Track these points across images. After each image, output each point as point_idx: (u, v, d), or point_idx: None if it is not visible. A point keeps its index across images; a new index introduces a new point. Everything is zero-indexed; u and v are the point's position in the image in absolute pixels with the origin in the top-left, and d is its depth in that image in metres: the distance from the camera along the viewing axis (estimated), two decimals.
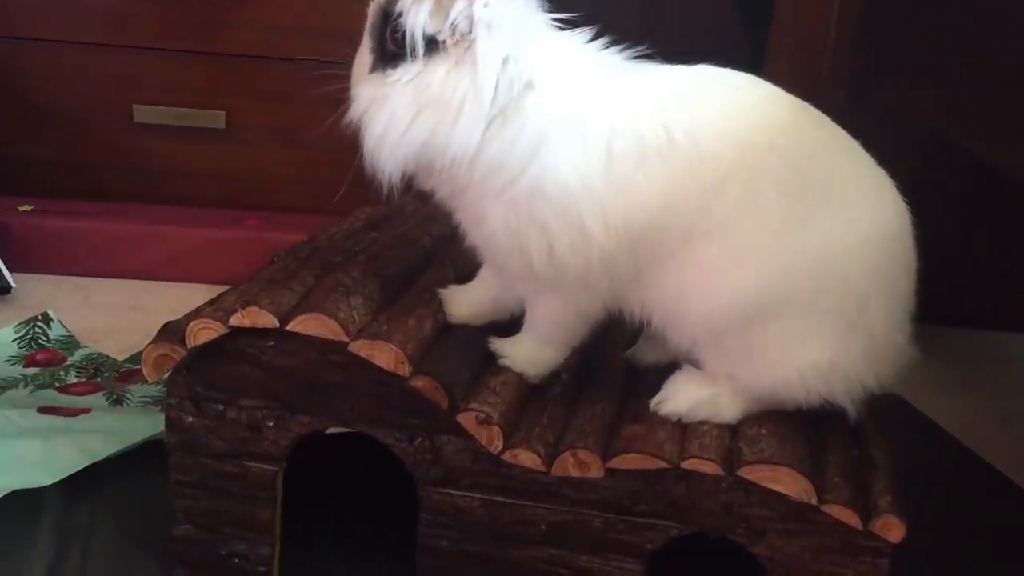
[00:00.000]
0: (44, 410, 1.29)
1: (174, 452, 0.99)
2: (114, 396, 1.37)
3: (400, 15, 0.89)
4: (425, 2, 0.88)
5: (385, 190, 0.93)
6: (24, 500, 1.10)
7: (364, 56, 0.94)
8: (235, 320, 0.93)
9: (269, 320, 0.93)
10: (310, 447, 1.02)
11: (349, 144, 0.95)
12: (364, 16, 0.95)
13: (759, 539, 0.90)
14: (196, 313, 0.96)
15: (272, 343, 0.94)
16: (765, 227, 0.90)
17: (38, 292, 1.75)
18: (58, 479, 1.13)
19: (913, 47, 1.78)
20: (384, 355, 0.91)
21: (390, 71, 0.90)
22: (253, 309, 0.93)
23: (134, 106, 2.00)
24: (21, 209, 1.86)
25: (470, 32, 0.88)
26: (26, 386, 1.40)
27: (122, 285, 1.83)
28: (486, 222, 0.94)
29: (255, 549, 1.00)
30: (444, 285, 1.06)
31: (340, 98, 1.00)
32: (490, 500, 0.94)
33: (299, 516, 1.04)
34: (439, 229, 1.22)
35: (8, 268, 1.72)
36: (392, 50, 0.90)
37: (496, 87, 0.88)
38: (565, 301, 0.96)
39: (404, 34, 0.88)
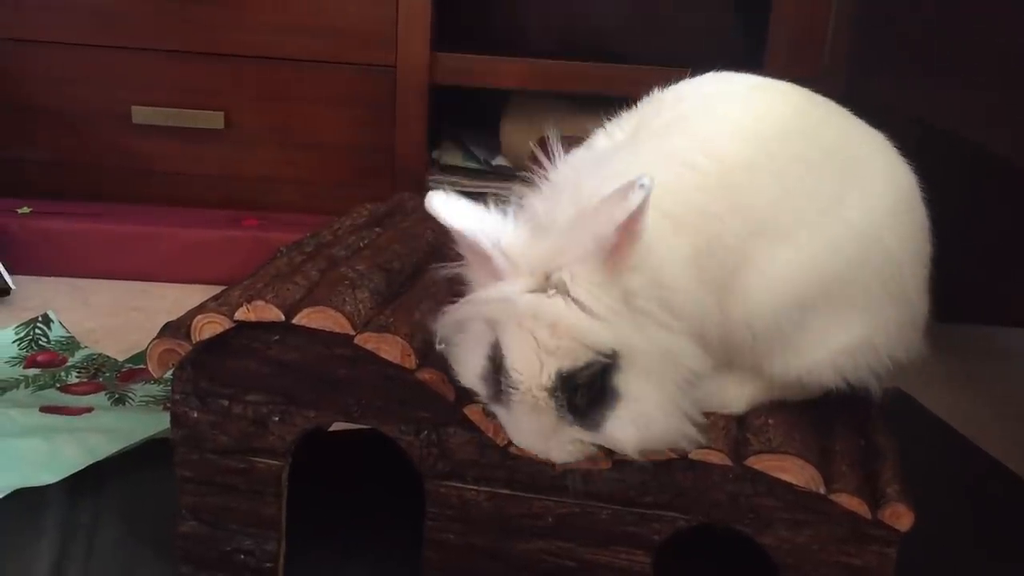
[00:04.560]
0: (47, 409, 1.29)
1: (179, 448, 0.99)
2: (116, 395, 1.37)
3: (594, 376, 0.81)
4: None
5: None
6: (28, 499, 1.10)
7: (545, 419, 0.82)
8: (240, 314, 0.93)
9: (275, 314, 0.92)
10: (315, 442, 1.01)
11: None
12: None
13: (766, 529, 0.90)
14: (201, 308, 0.96)
15: (278, 337, 0.94)
16: (807, 207, 0.91)
17: (38, 293, 1.75)
18: (61, 478, 1.12)
19: (911, 39, 1.78)
20: (391, 347, 0.91)
21: (602, 411, 0.82)
22: (259, 303, 0.93)
23: (132, 107, 2.00)
24: (20, 211, 1.86)
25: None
26: (27, 387, 1.40)
27: (121, 286, 1.83)
28: None
29: (261, 545, 1.00)
30: (449, 280, 1.06)
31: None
32: (497, 493, 0.94)
33: (305, 511, 1.04)
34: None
35: (8, 270, 1.72)
36: (587, 402, 0.81)
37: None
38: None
39: (601, 387, 0.81)
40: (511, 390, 0.81)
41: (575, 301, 0.79)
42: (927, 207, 0.99)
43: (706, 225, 0.88)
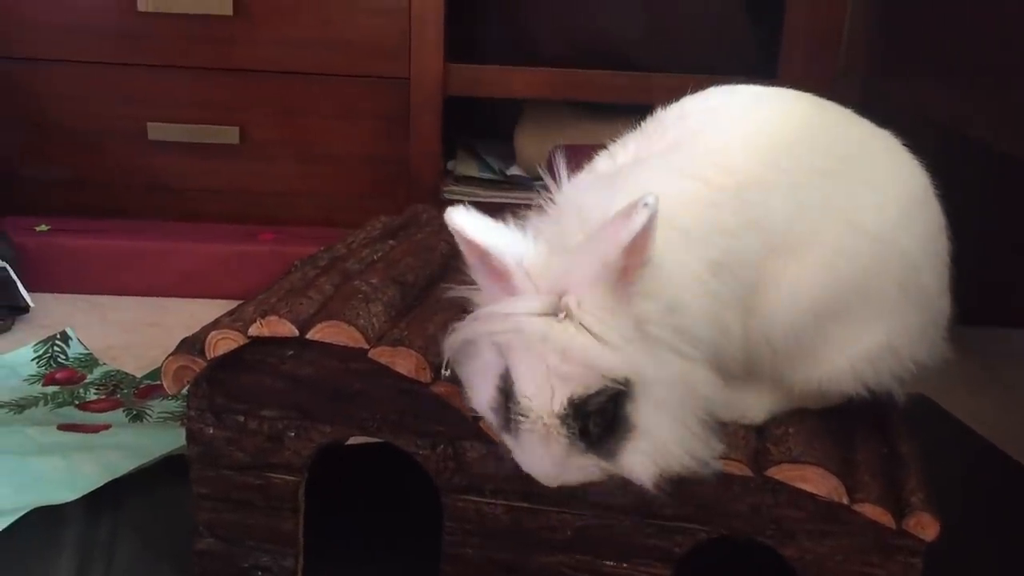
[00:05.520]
0: (64, 427, 1.29)
1: (195, 465, 0.98)
2: (134, 412, 1.37)
3: (607, 403, 0.78)
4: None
5: None
6: (46, 517, 1.10)
7: (556, 447, 0.79)
8: (254, 330, 0.93)
9: (288, 329, 0.92)
10: (332, 457, 1.01)
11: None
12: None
13: (789, 540, 0.89)
14: (215, 324, 0.95)
15: (292, 352, 0.94)
16: (820, 218, 0.90)
17: (56, 311, 1.75)
18: (79, 495, 1.12)
19: (927, 41, 1.77)
20: (405, 361, 0.91)
21: (616, 440, 0.80)
22: (272, 318, 0.92)
23: (148, 124, 2.01)
24: (38, 229, 1.87)
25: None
26: (46, 404, 1.40)
27: (139, 302, 1.83)
28: None
29: (278, 561, 1.00)
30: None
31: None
32: (514, 506, 0.93)
33: (322, 527, 1.03)
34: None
35: (26, 288, 1.72)
36: (600, 430, 0.79)
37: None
38: None
39: (614, 415, 0.79)
40: (521, 417, 0.79)
41: (584, 327, 0.76)
42: (944, 205, 0.98)
43: (721, 241, 0.87)
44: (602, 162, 0.96)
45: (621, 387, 0.78)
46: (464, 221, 0.79)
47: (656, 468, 0.81)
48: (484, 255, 0.79)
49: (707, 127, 0.94)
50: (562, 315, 0.77)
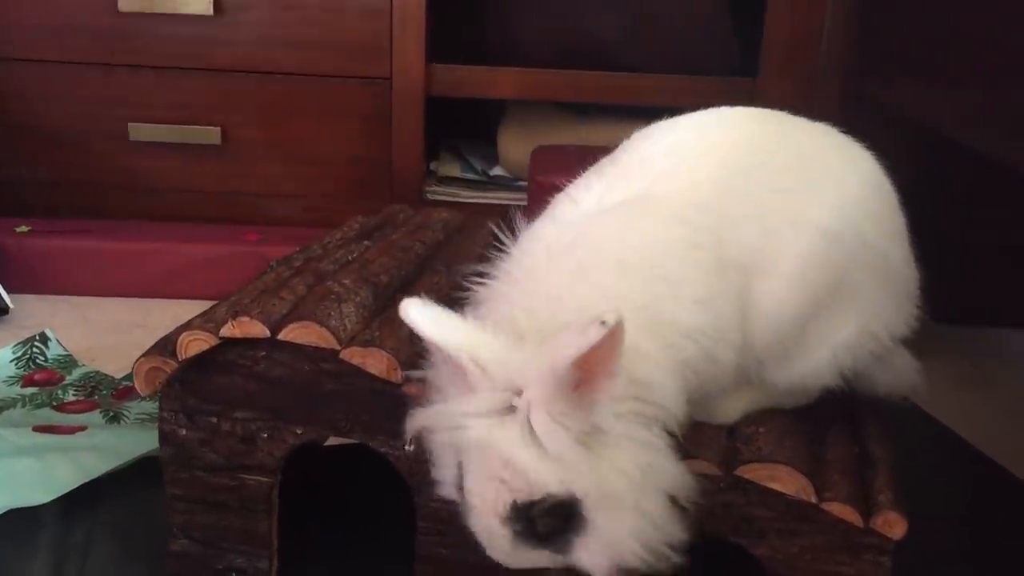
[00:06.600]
0: (40, 429, 1.29)
1: (168, 466, 0.98)
2: (111, 413, 1.37)
3: (554, 508, 0.76)
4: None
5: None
6: (21, 519, 1.10)
7: (502, 542, 0.78)
8: (226, 331, 0.92)
9: (259, 330, 0.92)
10: (307, 458, 1.01)
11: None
12: None
13: (760, 540, 0.89)
14: (187, 325, 0.95)
15: (264, 353, 0.94)
16: (784, 235, 0.90)
17: (36, 312, 1.75)
18: (54, 497, 1.12)
19: (907, 40, 1.77)
20: (376, 362, 0.91)
21: (569, 534, 0.77)
22: (243, 319, 0.92)
23: (129, 124, 2.01)
24: (18, 230, 1.87)
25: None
26: (24, 406, 1.40)
27: (121, 303, 1.83)
28: None
29: (253, 563, 0.99)
30: (437, 292, 1.05)
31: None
32: None
33: (297, 528, 1.03)
34: (431, 236, 1.22)
35: (6, 289, 1.72)
36: (549, 529, 0.77)
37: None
38: None
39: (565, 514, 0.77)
40: (471, 511, 0.78)
41: (532, 433, 0.74)
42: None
43: (707, 279, 0.87)
44: (564, 208, 0.93)
45: (564, 499, 0.76)
46: (416, 316, 0.76)
47: (611, 563, 0.79)
48: (438, 350, 0.77)
49: (672, 167, 0.93)
50: (511, 417, 0.74)
